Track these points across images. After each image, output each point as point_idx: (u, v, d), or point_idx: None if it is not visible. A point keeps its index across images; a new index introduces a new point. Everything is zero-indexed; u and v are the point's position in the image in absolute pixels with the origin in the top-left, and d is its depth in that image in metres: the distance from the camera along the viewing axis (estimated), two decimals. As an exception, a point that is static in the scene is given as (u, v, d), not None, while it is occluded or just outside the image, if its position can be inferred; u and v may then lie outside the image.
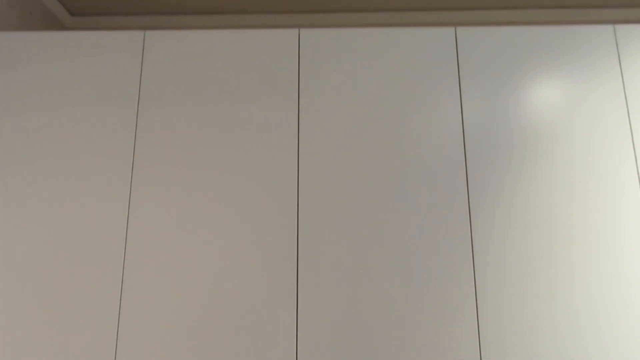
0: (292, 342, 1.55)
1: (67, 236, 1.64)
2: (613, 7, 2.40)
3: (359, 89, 1.73)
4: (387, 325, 1.56)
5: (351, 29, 1.80)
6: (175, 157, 1.69)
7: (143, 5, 2.40)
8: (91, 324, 1.58)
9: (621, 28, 1.78)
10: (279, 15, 2.46)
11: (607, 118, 1.69)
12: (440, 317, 1.56)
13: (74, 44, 1.80)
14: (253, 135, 1.70)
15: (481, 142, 1.67)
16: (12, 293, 1.61)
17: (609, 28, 1.78)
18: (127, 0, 2.36)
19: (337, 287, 1.58)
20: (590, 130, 1.68)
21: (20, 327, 1.58)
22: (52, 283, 1.61)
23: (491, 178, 1.65)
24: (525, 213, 1.62)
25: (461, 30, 1.78)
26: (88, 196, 1.67)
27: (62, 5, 2.40)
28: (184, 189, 1.67)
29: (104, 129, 1.72)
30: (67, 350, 1.56)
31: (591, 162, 1.66)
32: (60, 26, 2.41)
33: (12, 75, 1.77)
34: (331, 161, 1.67)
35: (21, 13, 2.09)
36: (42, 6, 2.27)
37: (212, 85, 1.75)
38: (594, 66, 1.74)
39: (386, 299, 1.57)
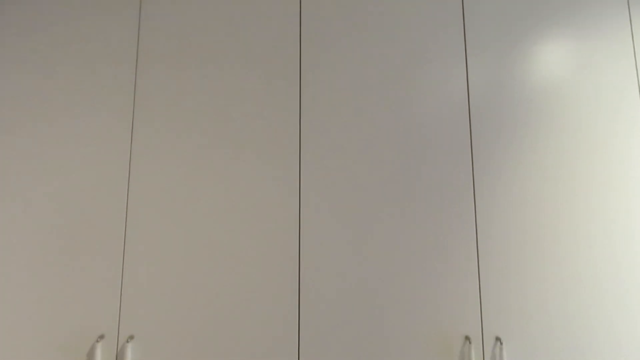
0: (295, 292, 1.55)
1: (68, 196, 1.63)
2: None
3: (363, 52, 1.69)
4: (390, 287, 1.55)
5: (355, -12, 1.75)
6: (175, 117, 1.67)
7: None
8: (94, 282, 1.58)
9: (634, -11, 1.73)
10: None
11: (616, 81, 1.65)
12: (443, 279, 1.55)
13: (71, 1, 1.76)
14: (254, 94, 1.67)
15: (486, 105, 1.64)
16: (13, 252, 1.60)
17: (621, -11, 1.73)
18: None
19: (340, 246, 1.57)
20: (598, 94, 1.64)
21: (22, 288, 1.59)
22: (54, 241, 1.60)
23: (496, 141, 1.62)
24: (529, 177, 1.60)
25: (468, -10, 1.73)
26: (88, 156, 1.65)
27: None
28: (184, 148, 1.65)
29: (103, 88, 1.69)
30: (70, 310, 1.57)
31: (598, 126, 1.62)
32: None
33: (9, 33, 1.74)
34: (334, 123, 1.64)
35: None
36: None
37: (211, 43, 1.71)
38: (604, 29, 1.69)
39: (389, 260, 1.56)
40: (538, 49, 1.68)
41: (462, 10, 1.71)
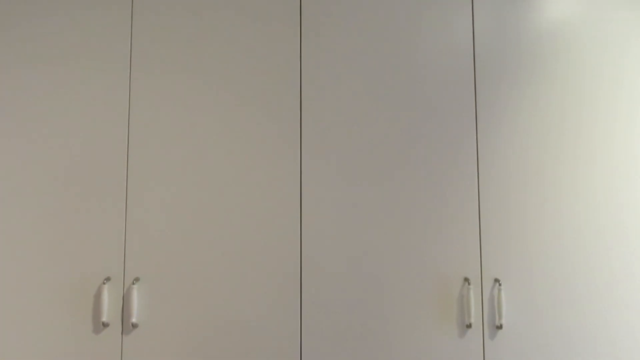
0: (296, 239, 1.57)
1: (69, 141, 1.63)
2: None
3: (364, -8, 1.65)
4: (390, 231, 1.56)
5: None
6: (173, 62, 1.65)
7: None
8: (98, 225, 1.60)
9: None
10: None
11: (624, 28, 1.61)
12: (444, 222, 1.56)
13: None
14: (253, 43, 1.65)
15: (491, 51, 1.61)
16: (17, 198, 1.62)
17: None
18: None
19: (341, 183, 1.58)
20: (606, 41, 1.61)
21: (27, 234, 1.61)
22: (57, 185, 1.62)
23: (500, 88, 1.60)
24: (532, 123, 1.58)
25: None
26: (88, 100, 1.65)
27: None
28: (183, 92, 1.64)
29: (99, 32, 1.67)
30: (76, 253, 1.60)
31: (604, 74, 1.59)
32: None
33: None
34: (337, 70, 1.62)
35: None
36: None
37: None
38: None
39: (390, 204, 1.57)
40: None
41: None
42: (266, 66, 1.64)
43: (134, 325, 1.56)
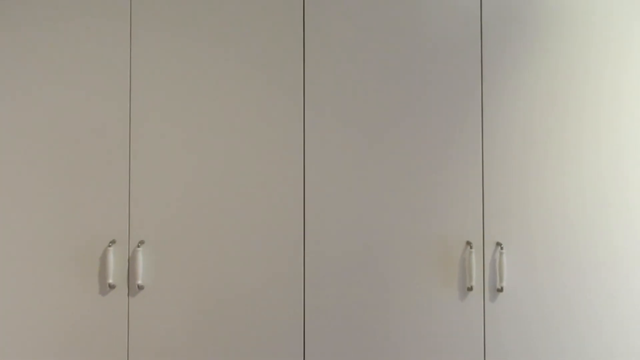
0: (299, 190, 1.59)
1: (70, 103, 1.62)
2: None
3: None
4: (393, 194, 1.57)
5: None
6: (174, 19, 1.62)
7: None
8: (102, 188, 1.61)
9: None
10: None
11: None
12: (447, 186, 1.57)
13: None
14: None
15: (498, 6, 1.58)
16: (20, 162, 1.62)
17: None
18: None
19: (344, 150, 1.58)
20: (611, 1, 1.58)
21: (32, 197, 1.62)
22: (59, 149, 1.62)
23: (506, 46, 1.58)
24: (538, 85, 1.57)
25: None
26: (89, 60, 1.63)
27: None
28: (184, 50, 1.62)
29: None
30: (81, 216, 1.61)
31: (614, 29, 1.57)
32: None
33: None
34: (341, 24, 1.60)
35: None
36: None
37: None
38: None
39: (392, 166, 1.57)
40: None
41: None
42: (269, 20, 1.61)
43: (140, 287, 1.58)
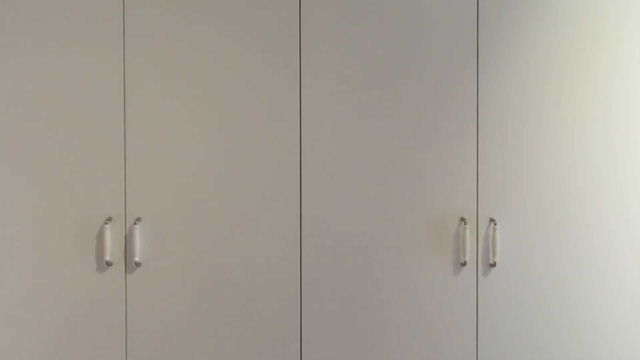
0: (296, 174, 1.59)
1: (65, 82, 1.61)
2: None
3: None
4: (388, 169, 1.58)
5: None
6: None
7: None
8: (98, 166, 1.60)
9: None
10: None
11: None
12: (441, 162, 1.58)
13: None
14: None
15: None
16: (16, 141, 1.61)
17: None
18: None
19: (340, 128, 1.59)
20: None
21: (28, 175, 1.61)
22: (55, 127, 1.61)
23: (502, 23, 1.58)
24: (532, 63, 1.58)
25: None
26: (83, 37, 1.61)
27: None
28: (178, 22, 1.60)
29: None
30: (77, 194, 1.61)
31: (607, 11, 1.58)
32: None
33: None
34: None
35: None
36: None
37: None
38: None
39: (387, 142, 1.58)
40: None
41: None
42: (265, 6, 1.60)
43: (137, 264, 1.59)
